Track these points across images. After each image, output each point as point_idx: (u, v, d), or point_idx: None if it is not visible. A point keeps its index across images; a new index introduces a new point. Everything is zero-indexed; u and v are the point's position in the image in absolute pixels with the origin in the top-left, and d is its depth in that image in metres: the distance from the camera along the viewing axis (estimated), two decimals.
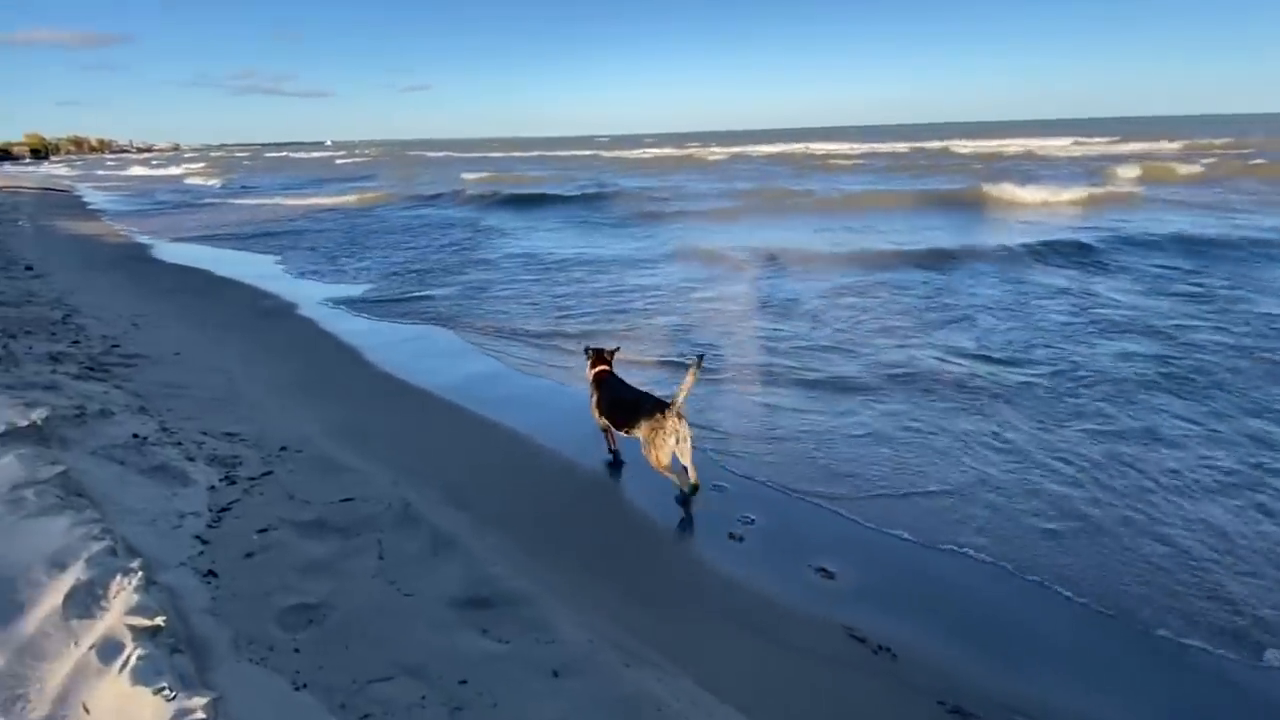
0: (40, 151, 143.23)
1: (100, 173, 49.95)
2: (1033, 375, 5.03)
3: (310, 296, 8.18)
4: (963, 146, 40.92)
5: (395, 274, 9.55)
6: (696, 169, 32.49)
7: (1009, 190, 15.82)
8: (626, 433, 3.62)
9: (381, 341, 6.28)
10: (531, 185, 23.76)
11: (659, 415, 3.38)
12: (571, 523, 3.30)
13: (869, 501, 3.41)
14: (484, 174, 30.38)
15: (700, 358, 3.47)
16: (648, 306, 7.37)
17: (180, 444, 3.59)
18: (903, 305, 7.20)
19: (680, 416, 3.40)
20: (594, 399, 3.85)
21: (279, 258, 11.40)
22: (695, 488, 3.47)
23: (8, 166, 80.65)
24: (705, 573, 2.92)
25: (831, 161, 33.10)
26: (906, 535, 3.13)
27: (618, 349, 4.16)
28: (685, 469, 3.47)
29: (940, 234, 11.31)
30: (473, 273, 9.44)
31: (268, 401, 4.59)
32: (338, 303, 7.86)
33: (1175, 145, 34.90)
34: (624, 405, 3.63)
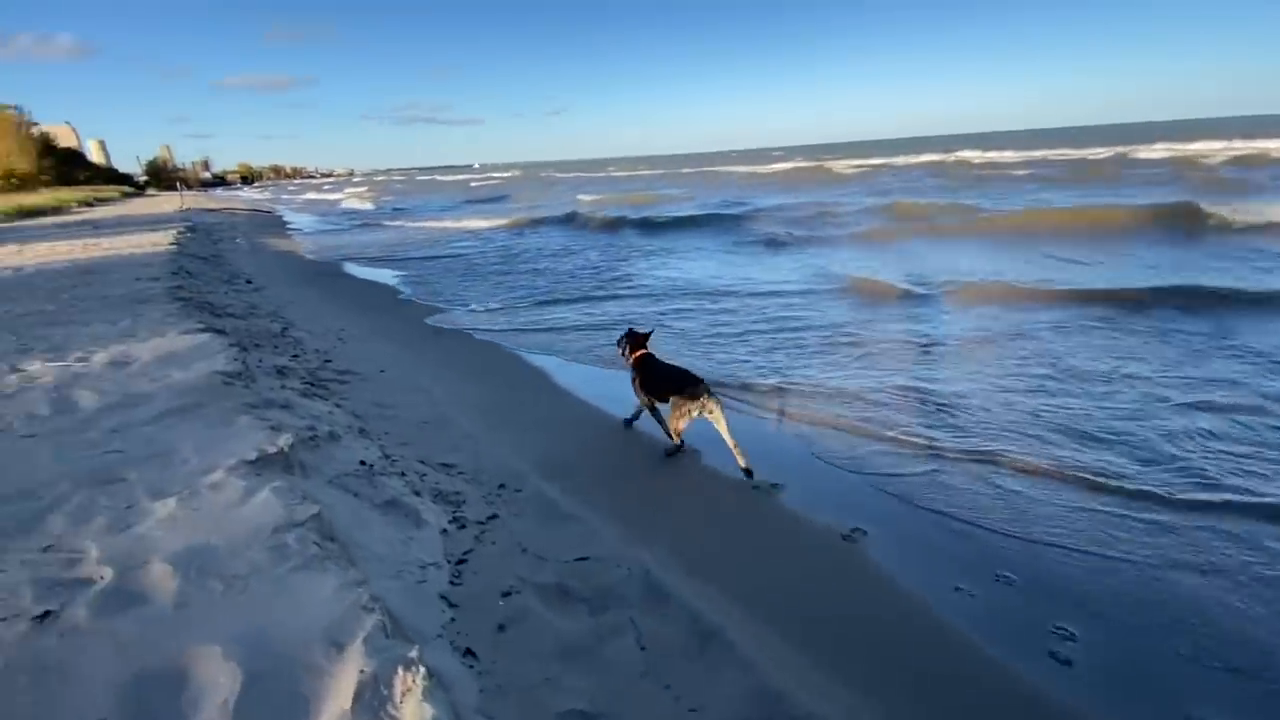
0: (248, 178, 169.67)
1: (284, 196, 57.29)
2: None
3: (480, 319, 8.32)
4: (1153, 151, 35.15)
5: (552, 299, 9.54)
6: (835, 183, 30.66)
7: (1243, 208, 12.84)
8: (663, 402, 4.08)
9: (563, 368, 6.12)
10: (667, 205, 23.50)
11: (691, 389, 3.82)
12: (852, 624, 2.65)
13: None
14: (620, 194, 30.79)
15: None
16: (848, 353, 6.04)
17: (404, 474, 3.48)
18: (1211, 370, 5.09)
19: (710, 394, 3.81)
20: (636, 380, 4.25)
21: (442, 279, 11.94)
22: (748, 472, 3.71)
23: (223, 190, 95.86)
24: (1040, 704, 2.23)
25: (992, 171, 30.03)
26: None
27: (651, 331, 4.47)
28: (733, 450, 3.76)
29: (1173, 267, 9.26)
30: (629, 303, 8.98)
31: (473, 427, 4.48)
32: (506, 327, 7.92)
33: None
34: (664, 379, 4.06)
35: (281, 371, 5.15)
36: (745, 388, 5.25)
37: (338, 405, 4.51)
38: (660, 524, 3.28)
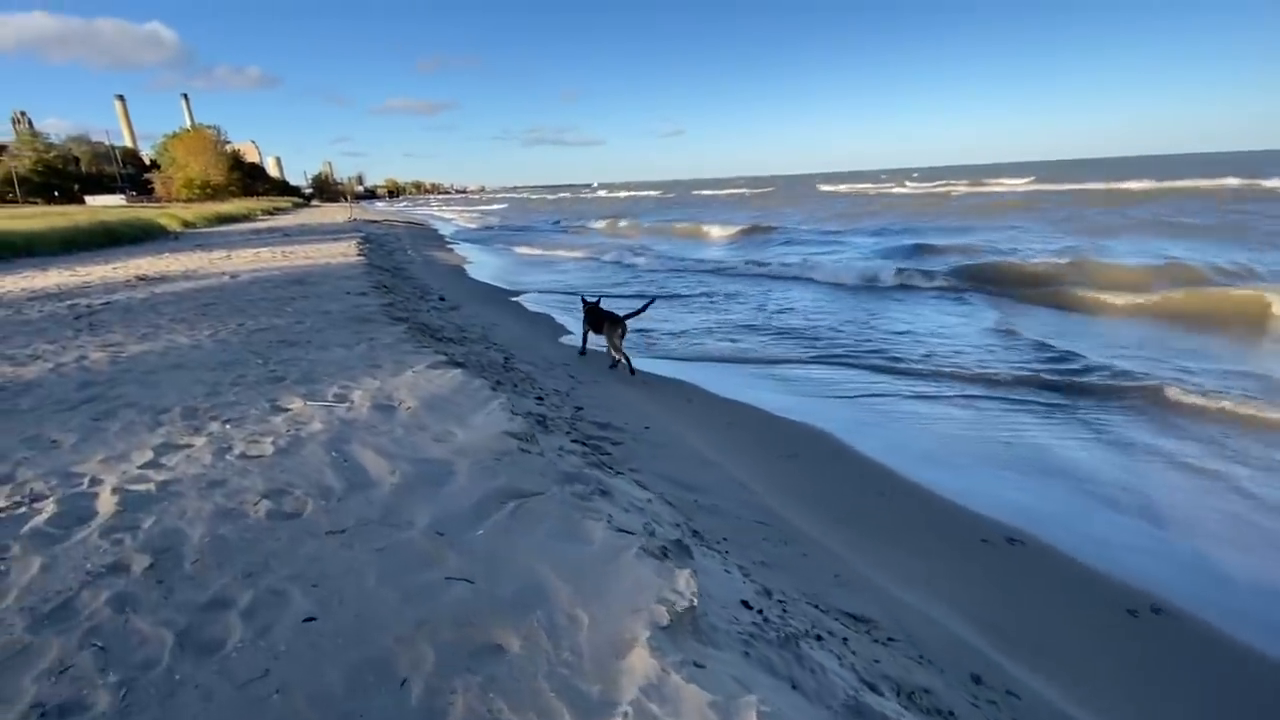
0: (393, 192, 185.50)
1: (418, 210, 60.78)
2: None
3: (727, 372, 7.22)
4: None
5: (812, 357, 8.27)
6: (1016, 212, 27.05)
7: None
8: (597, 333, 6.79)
9: (900, 453, 4.80)
10: (830, 236, 21.81)
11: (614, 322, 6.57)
12: None
13: None
14: (765, 225, 29.25)
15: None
16: None
17: (819, 637, 2.32)
18: None
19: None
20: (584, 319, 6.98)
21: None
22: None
23: (377, 204, 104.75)
24: None
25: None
26: None
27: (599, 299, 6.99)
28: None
29: None
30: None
31: (826, 538, 3.30)
32: (741, 376, 6.75)
33: None
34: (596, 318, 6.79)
35: (543, 423, 4.24)
36: None
37: (640, 485, 3.48)
38: None
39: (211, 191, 63.21)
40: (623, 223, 30.87)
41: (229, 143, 77.07)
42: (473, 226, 37.54)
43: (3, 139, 72.61)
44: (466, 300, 10.66)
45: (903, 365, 6.64)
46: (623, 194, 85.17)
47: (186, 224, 27.38)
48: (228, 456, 3.16)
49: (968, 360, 6.67)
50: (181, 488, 2.80)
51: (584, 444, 4.06)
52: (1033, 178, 56.04)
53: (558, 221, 37.41)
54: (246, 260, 13.26)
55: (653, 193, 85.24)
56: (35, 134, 68.70)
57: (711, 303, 10.69)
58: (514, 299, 11.61)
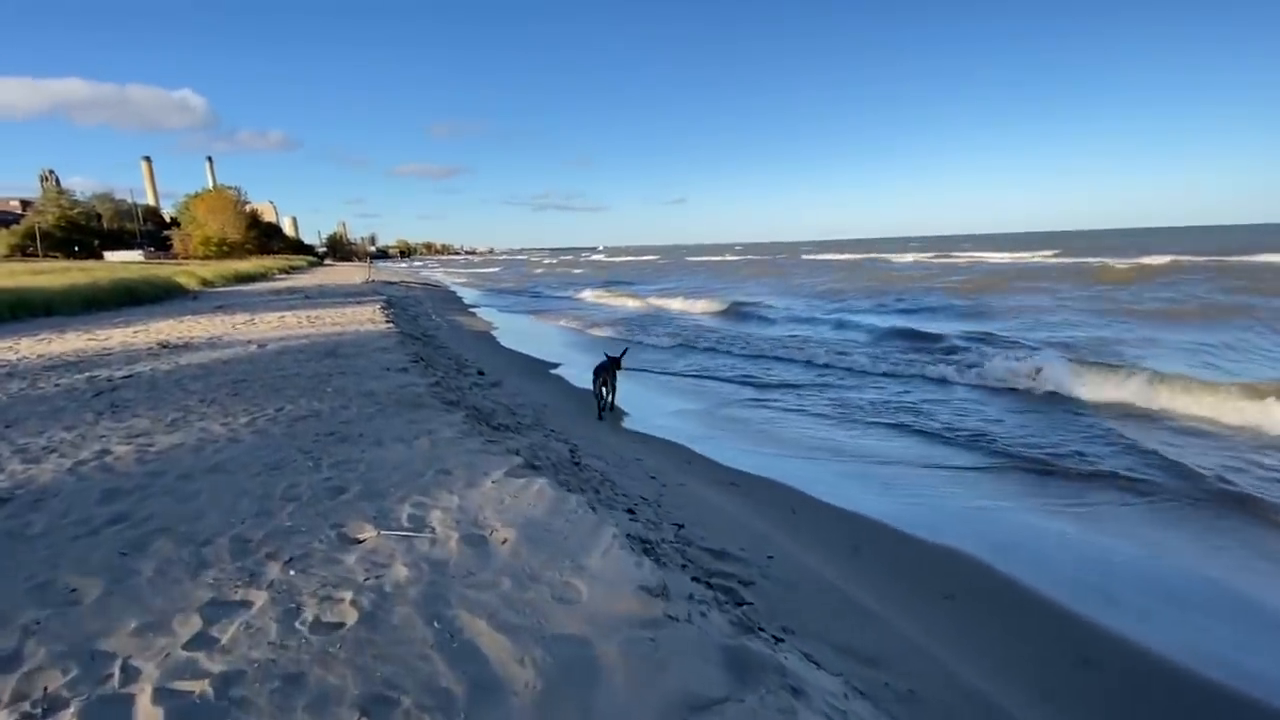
0: (405, 252, 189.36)
1: (426, 271, 61.30)
2: None
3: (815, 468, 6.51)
4: None
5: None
6: (1053, 282, 25.78)
7: None
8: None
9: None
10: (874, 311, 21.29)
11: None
12: None
13: None
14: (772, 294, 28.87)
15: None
16: None
17: None
18: None
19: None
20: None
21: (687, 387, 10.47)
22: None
23: (386, 263, 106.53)
24: None
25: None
26: None
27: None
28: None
29: None
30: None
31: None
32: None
33: None
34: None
35: (652, 551, 3.51)
36: None
37: (813, 662, 2.72)
38: None
39: (228, 249, 64.09)
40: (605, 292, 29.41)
41: (248, 203, 78.89)
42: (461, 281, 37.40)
43: (31, 196, 74.44)
44: (506, 373, 10.05)
45: (1052, 466, 5.89)
46: (621, 258, 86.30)
47: (205, 282, 27.25)
48: (298, 625, 2.43)
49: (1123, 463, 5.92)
50: (246, 689, 2.06)
51: (711, 586, 3.32)
52: (1011, 249, 56.31)
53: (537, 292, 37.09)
54: (271, 326, 12.76)
55: (652, 257, 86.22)
56: (61, 191, 70.44)
57: (796, 393, 10.05)
58: (554, 370, 10.99)
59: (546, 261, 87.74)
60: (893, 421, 7.46)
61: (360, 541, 3.18)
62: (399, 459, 4.48)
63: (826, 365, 11.03)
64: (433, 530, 3.30)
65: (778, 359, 11.78)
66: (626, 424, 7.55)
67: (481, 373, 9.53)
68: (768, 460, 6.19)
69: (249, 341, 10.47)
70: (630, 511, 4.31)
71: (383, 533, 3.26)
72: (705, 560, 3.72)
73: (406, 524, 3.38)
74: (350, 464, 4.36)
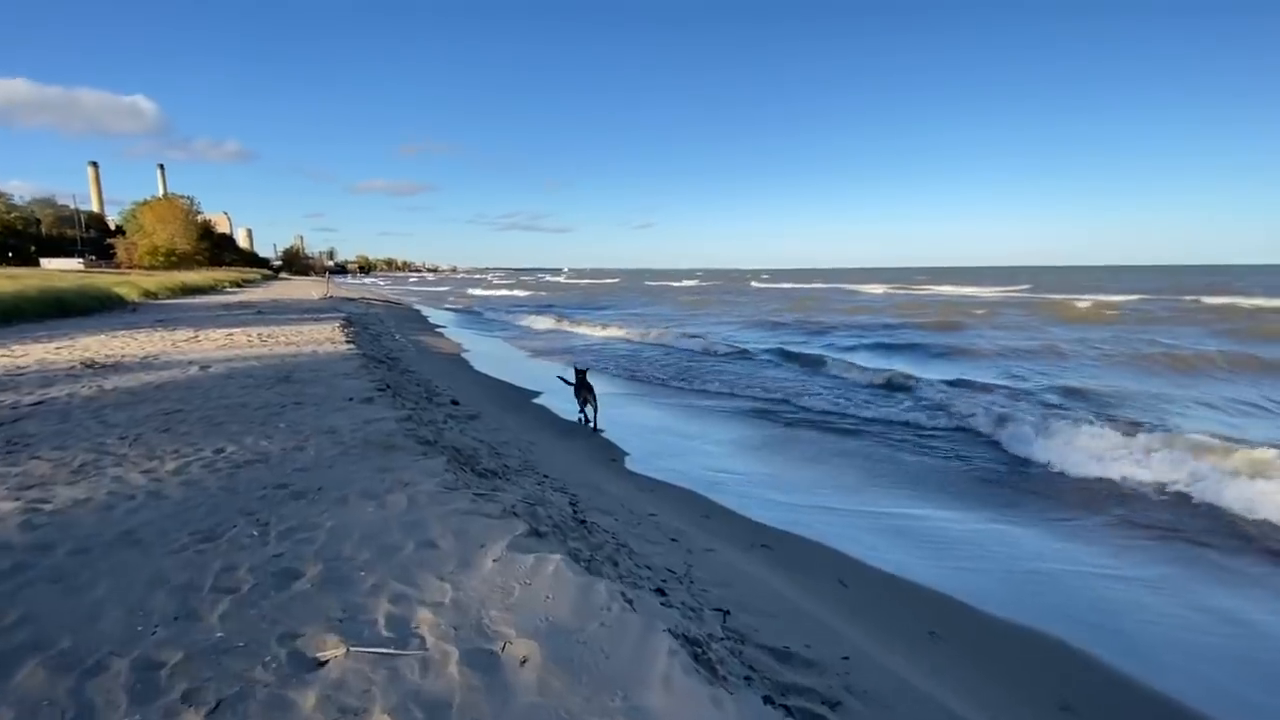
0: (365, 268, 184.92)
1: (388, 287, 59.50)
2: None
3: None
4: None
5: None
6: (1047, 318, 26.54)
7: None
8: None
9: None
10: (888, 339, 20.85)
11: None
12: None
13: None
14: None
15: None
16: None
17: None
18: None
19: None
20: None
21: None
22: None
23: (346, 279, 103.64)
24: None
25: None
26: None
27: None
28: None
29: None
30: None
31: None
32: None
33: None
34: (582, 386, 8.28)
35: (704, 655, 2.70)
36: None
37: None
38: None
39: (176, 260, 60.96)
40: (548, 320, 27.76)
41: (200, 213, 75.53)
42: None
43: None
44: (482, 402, 9.12)
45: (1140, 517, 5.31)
46: (584, 280, 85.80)
47: (147, 294, 25.41)
48: None
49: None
50: None
51: (792, 713, 2.52)
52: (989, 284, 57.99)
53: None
54: (218, 344, 11.52)
55: (611, 280, 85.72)
56: None
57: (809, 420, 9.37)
58: (535, 400, 10.09)
59: (495, 281, 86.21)
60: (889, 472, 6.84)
61: (322, 664, 2.28)
62: (370, 524, 3.57)
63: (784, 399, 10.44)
64: (422, 643, 2.43)
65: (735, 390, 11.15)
66: (627, 463, 6.73)
67: (456, 403, 8.58)
68: (789, 513, 5.45)
69: (190, 362, 9.29)
70: (660, 592, 3.49)
71: (353, 649, 2.36)
72: (770, 666, 2.92)
73: (385, 632, 2.50)
74: (307, 532, 3.43)
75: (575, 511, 4.72)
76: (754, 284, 67.74)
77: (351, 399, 7.01)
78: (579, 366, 8.67)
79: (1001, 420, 8.25)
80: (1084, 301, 31.74)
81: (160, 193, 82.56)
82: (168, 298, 26.95)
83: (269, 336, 12.85)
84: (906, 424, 8.70)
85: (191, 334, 13.12)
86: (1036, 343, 16.95)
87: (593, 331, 21.51)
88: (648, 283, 76.49)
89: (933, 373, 12.22)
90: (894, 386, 11.16)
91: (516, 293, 55.91)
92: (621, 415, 9.01)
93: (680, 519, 5.10)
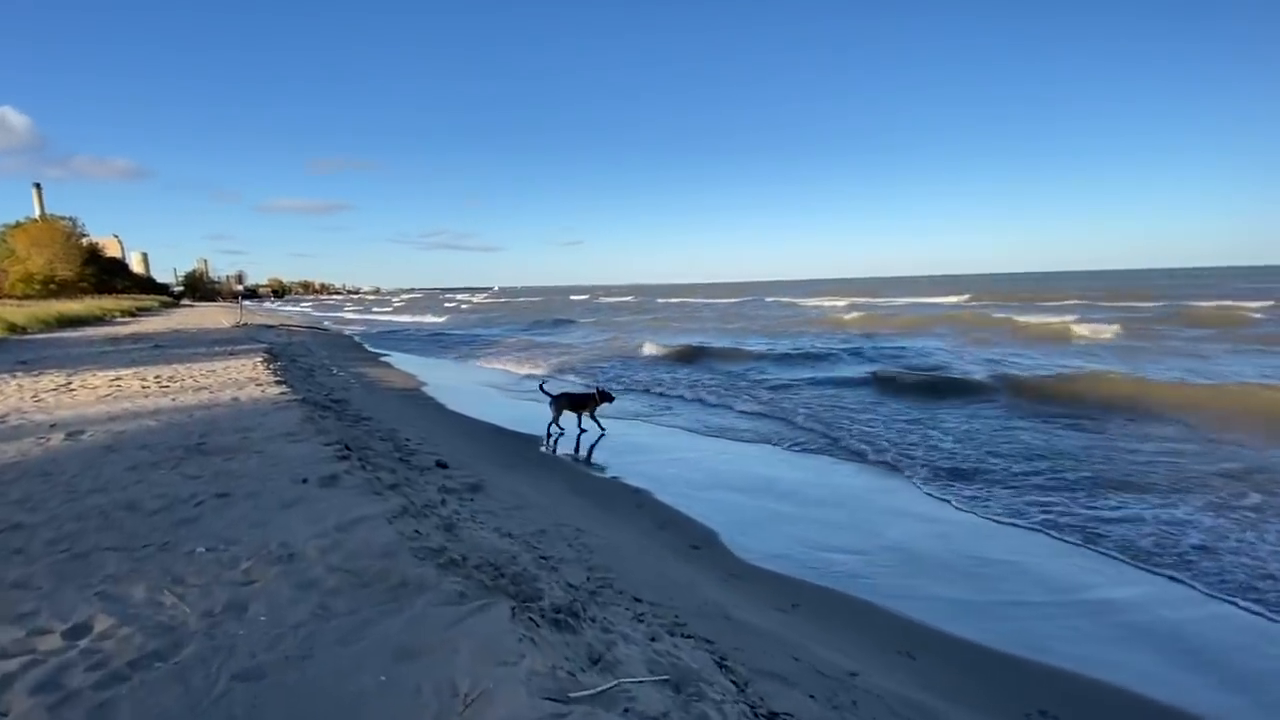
0: (279, 291, 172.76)
1: (315, 312, 54.96)
2: None
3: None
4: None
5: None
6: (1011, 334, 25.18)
7: None
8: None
9: None
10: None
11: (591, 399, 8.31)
12: None
13: None
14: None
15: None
16: None
17: None
18: None
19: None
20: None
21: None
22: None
23: (255, 303, 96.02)
24: None
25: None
26: None
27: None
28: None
29: None
30: None
31: None
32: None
33: None
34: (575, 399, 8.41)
35: None
36: None
37: None
38: None
39: (56, 288, 53.75)
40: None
41: (85, 235, 67.47)
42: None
43: None
44: (474, 460, 6.92)
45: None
46: (505, 299, 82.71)
47: (14, 328, 21.18)
48: None
49: None
50: None
51: None
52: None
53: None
54: (98, 394, 8.71)
55: (535, 299, 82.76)
56: None
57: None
58: (543, 448, 7.94)
59: (396, 303, 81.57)
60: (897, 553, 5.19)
61: None
62: None
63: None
64: None
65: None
66: (738, 553, 4.78)
67: (443, 465, 6.36)
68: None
69: (53, 426, 6.61)
70: None
71: None
72: None
73: None
74: None
75: (746, 695, 2.73)
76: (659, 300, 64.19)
77: (305, 480, 4.72)
78: (600, 388, 8.83)
79: None
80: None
81: (36, 214, 73.22)
82: (41, 331, 22.65)
83: (171, 379, 10.04)
84: None
85: (64, 380, 10.10)
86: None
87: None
88: (572, 297, 74.35)
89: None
90: None
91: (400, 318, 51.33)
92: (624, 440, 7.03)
93: (882, 669, 3.20)
